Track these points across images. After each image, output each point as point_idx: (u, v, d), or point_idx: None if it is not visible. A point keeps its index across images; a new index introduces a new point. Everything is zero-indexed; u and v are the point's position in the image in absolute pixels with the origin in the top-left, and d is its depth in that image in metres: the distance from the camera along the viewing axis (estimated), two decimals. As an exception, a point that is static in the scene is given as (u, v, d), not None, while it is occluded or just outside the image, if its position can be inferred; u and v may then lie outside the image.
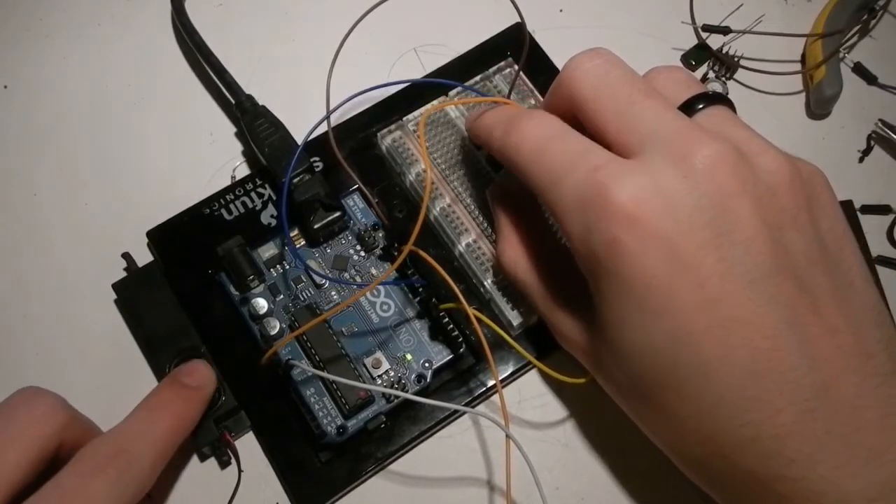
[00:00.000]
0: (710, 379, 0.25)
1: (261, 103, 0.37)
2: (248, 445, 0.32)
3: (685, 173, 0.25)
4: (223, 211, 0.35)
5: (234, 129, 0.39)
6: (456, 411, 0.32)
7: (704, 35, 0.41)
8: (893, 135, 0.39)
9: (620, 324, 0.26)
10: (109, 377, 0.33)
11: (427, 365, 0.33)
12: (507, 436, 0.28)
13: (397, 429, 0.32)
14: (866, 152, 0.39)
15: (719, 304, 0.25)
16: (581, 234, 0.27)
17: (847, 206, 0.37)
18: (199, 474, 0.32)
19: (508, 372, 0.33)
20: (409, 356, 0.33)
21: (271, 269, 0.34)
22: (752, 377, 0.25)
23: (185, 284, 0.34)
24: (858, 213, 0.38)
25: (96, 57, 0.40)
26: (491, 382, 0.33)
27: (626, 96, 0.28)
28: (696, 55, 0.41)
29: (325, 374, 0.31)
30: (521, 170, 0.29)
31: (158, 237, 0.35)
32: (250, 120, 0.36)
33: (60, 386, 0.29)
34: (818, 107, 0.40)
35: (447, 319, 0.33)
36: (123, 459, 0.27)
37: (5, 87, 0.39)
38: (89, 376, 0.33)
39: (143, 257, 0.35)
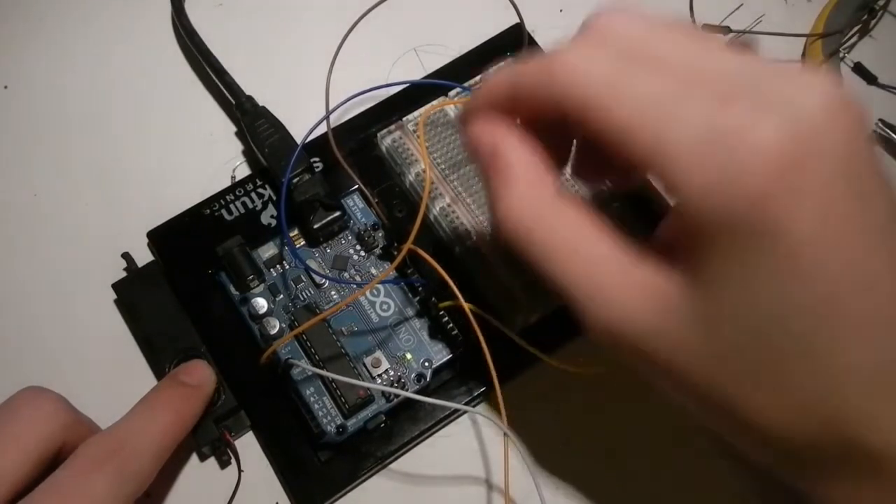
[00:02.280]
0: (850, 345, 0.22)
1: (261, 104, 0.37)
2: (248, 445, 0.32)
3: (809, 115, 0.21)
4: (223, 211, 0.35)
5: (234, 130, 0.39)
6: (456, 410, 0.32)
7: (704, 35, 0.41)
8: (893, 135, 0.39)
9: (748, 287, 0.22)
10: (109, 377, 0.33)
11: (427, 364, 0.33)
12: (505, 434, 0.28)
13: (397, 428, 0.32)
14: (866, 152, 0.39)
15: (865, 262, 0.22)
16: (706, 185, 0.22)
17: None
18: (199, 474, 0.32)
19: (508, 371, 0.33)
20: (408, 355, 0.33)
21: (271, 269, 0.34)
22: None
23: (186, 285, 0.34)
24: (859, 213, 0.37)
25: (96, 57, 0.40)
26: (490, 381, 0.32)
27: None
28: (696, 55, 0.41)
29: (324, 373, 0.31)
30: (584, 111, 0.23)
31: (159, 238, 0.35)
32: (250, 120, 0.36)
33: (60, 386, 0.29)
34: (818, 107, 0.40)
35: (447, 318, 0.33)
36: (122, 456, 0.27)
37: (5, 87, 0.39)
38: (89, 376, 0.33)
39: (144, 257, 0.35)
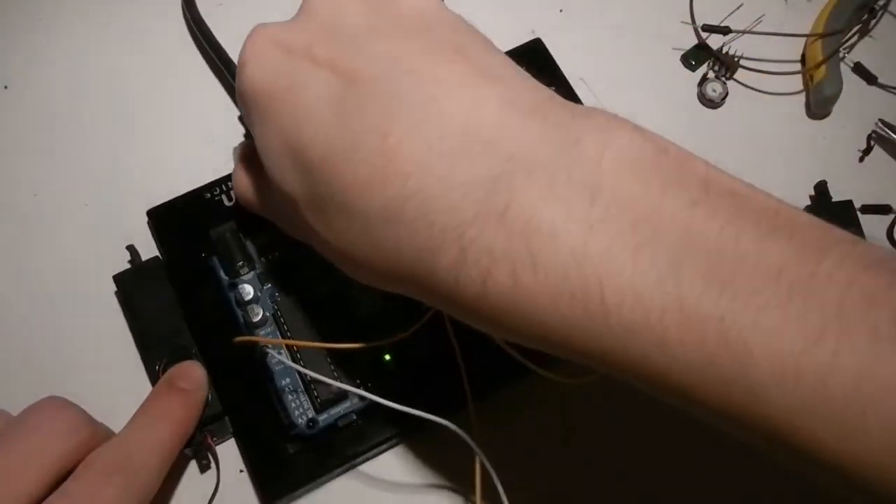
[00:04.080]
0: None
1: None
2: (230, 451, 0.32)
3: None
4: (224, 197, 0.35)
5: (238, 120, 0.39)
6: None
7: (704, 35, 0.41)
8: (893, 135, 0.38)
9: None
10: (109, 370, 0.34)
11: (405, 368, 0.32)
12: (477, 450, 0.28)
13: (368, 429, 0.31)
14: (866, 152, 0.39)
15: None
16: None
17: (847, 206, 0.37)
18: (182, 477, 0.32)
19: (497, 380, 0.32)
20: (387, 356, 0.32)
21: (262, 258, 0.34)
22: None
23: (180, 266, 0.34)
24: (858, 213, 0.37)
25: (99, 55, 0.40)
26: (466, 390, 0.31)
27: None
28: (696, 55, 0.41)
29: (299, 368, 0.31)
30: None
31: (158, 217, 0.35)
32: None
33: (61, 379, 0.30)
34: (818, 107, 0.40)
35: (432, 324, 0.31)
36: (130, 468, 0.27)
37: (6, 87, 0.39)
38: (90, 369, 0.34)
39: (150, 251, 0.35)
